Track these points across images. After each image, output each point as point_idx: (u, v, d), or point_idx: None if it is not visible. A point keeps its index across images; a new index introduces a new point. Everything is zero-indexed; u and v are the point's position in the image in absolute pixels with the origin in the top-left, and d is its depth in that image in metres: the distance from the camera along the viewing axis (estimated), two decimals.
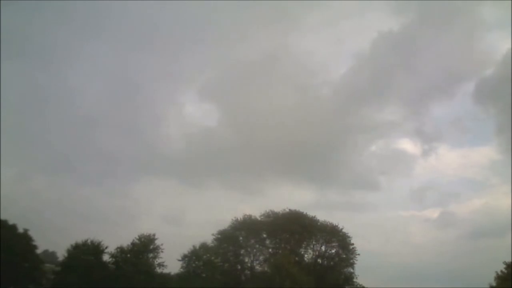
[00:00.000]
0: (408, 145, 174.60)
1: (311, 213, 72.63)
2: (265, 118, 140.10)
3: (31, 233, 54.66)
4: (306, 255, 70.87)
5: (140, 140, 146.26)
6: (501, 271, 54.01)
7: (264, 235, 70.59)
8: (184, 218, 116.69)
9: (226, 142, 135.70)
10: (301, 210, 72.70)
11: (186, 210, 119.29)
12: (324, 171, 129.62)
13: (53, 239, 76.88)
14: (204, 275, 59.29)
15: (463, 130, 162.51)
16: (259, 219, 71.11)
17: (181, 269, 60.26)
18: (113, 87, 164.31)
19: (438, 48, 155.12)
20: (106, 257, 56.96)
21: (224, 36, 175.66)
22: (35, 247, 54.93)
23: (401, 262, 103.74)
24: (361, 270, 69.67)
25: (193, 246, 60.47)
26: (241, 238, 69.54)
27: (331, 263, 70.48)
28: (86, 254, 55.17)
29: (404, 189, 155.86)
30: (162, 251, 58.79)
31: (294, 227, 68.68)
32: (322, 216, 76.84)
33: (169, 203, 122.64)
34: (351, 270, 69.18)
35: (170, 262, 60.34)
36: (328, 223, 70.94)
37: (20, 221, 55.61)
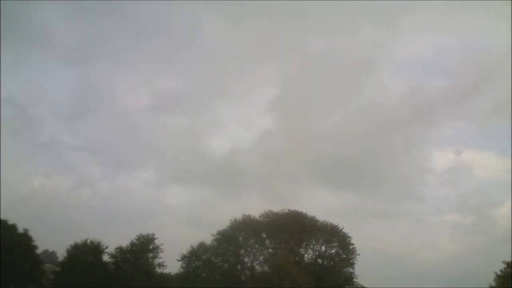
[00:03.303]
0: (453, 154, 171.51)
1: (344, 220, 72.59)
2: (322, 127, 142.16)
3: (30, 233, 55.16)
4: (306, 255, 70.77)
5: (188, 147, 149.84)
6: (501, 271, 53.71)
7: (264, 235, 70.30)
8: (212, 224, 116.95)
9: (276, 151, 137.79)
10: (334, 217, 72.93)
11: (217, 217, 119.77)
12: (369, 181, 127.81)
13: (54, 239, 77.45)
14: (204, 275, 59.32)
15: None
16: (258, 219, 71.04)
17: (181, 269, 60.40)
18: (165, 93, 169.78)
19: None
20: (106, 257, 57.28)
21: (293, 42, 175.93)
22: (35, 247, 55.30)
23: (427, 265, 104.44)
24: (377, 271, 69.48)
25: (191, 246, 60.60)
26: (240, 238, 69.28)
27: (331, 263, 70.20)
28: (85, 254, 55.42)
29: (446, 195, 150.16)
30: (162, 251, 59.07)
31: (293, 227, 68.47)
32: (360, 222, 76.41)
33: (200, 210, 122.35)
34: (351, 270, 69.04)
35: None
36: (328, 223, 70.71)
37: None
